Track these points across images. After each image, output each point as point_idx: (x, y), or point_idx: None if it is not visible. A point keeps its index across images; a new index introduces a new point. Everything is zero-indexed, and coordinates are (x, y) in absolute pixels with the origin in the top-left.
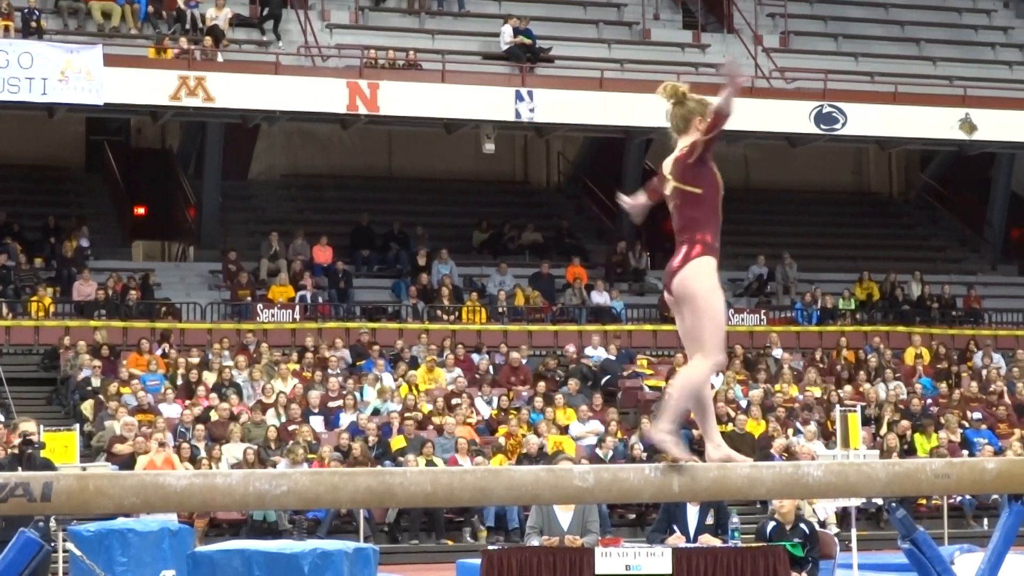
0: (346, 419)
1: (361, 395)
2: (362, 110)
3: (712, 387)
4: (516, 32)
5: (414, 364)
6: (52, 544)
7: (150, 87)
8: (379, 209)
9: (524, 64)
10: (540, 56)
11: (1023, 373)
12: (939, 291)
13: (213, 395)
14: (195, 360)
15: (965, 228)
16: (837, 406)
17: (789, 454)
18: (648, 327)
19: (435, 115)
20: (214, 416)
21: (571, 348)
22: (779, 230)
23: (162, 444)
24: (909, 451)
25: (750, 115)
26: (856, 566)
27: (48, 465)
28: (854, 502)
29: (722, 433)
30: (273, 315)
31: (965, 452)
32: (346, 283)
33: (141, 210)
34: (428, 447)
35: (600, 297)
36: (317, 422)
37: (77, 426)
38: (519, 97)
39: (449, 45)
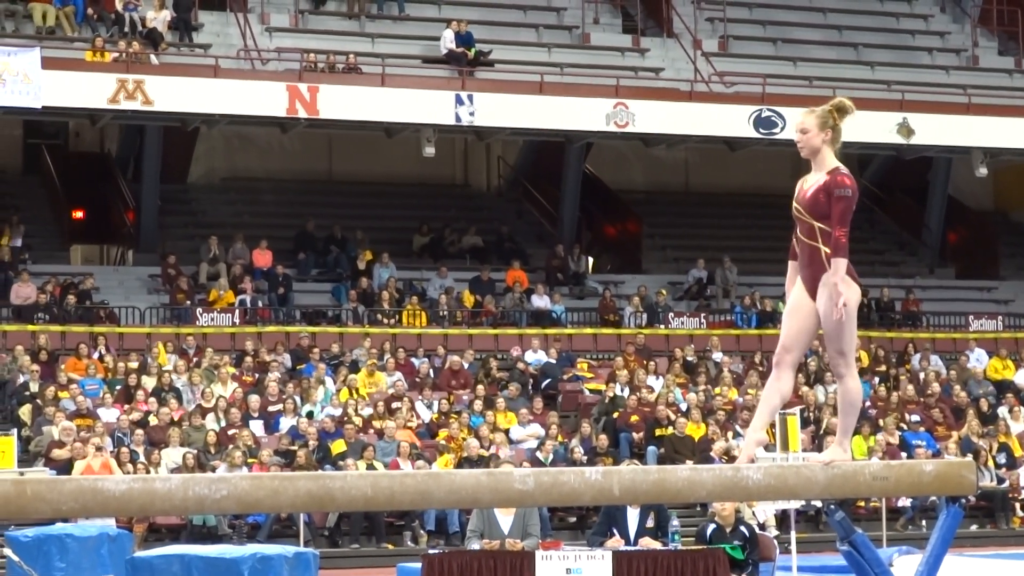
0: (286, 423)
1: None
2: (302, 113)
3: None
4: (458, 37)
5: (354, 368)
6: None
7: (88, 90)
8: (319, 213)
9: (464, 68)
10: (480, 60)
11: (960, 376)
12: (878, 294)
13: (152, 399)
14: (134, 364)
15: (903, 232)
16: None
17: (729, 457)
18: (588, 331)
19: (375, 119)
20: (153, 421)
21: (517, 350)
22: (719, 233)
23: (100, 449)
24: None
25: (690, 119)
26: (795, 568)
27: None
28: (793, 504)
29: (661, 436)
30: (213, 319)
31: (904, 454)
32: (286, 287)
33: (79, 214)
34: (369, 451)
35: (540, 301)
36: (257, 426)
37: (15, 431)
38: (459, 101)
39: (389, 49)
